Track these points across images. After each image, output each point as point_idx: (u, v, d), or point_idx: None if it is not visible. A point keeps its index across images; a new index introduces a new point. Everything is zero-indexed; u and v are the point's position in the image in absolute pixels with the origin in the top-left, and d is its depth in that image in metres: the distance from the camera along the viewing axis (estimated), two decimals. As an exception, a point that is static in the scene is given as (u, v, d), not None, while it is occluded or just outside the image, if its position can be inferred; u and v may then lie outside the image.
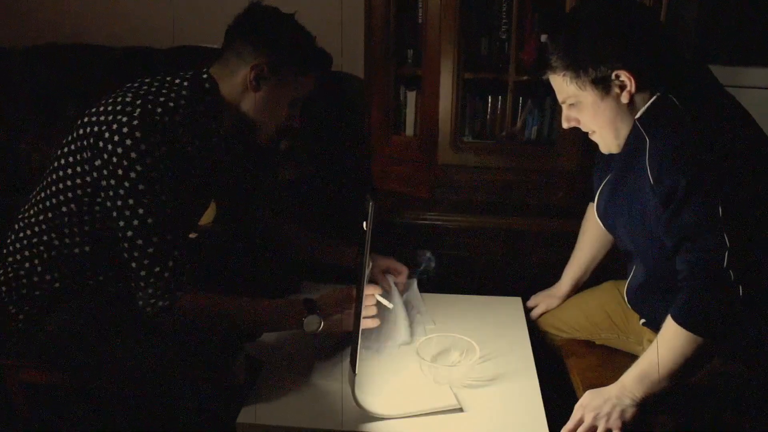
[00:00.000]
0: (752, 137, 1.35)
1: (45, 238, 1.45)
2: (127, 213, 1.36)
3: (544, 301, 1.84)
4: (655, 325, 1.52)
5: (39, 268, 1.45)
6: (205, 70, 1.49)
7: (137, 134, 1.33)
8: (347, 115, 2.44)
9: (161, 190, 1.36)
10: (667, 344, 1.29)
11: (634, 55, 1.31)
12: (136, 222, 1.36)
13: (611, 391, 1.34)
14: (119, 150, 1.33)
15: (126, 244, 1.37)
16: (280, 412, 1.38)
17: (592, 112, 1.38)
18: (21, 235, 1.48)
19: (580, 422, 1.34)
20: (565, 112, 1.44)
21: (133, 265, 1.38)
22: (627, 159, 1.41)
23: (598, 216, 1.57)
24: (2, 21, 2.63)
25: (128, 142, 1.33)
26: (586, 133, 1.47)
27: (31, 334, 1.46)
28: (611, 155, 1.48)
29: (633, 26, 1.32)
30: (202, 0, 2.48)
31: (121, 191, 1.35)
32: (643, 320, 1.57)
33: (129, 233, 1.36)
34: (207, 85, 1.47)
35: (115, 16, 2.58)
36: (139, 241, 1.36)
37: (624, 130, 1.39)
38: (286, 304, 1.53)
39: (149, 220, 1.36)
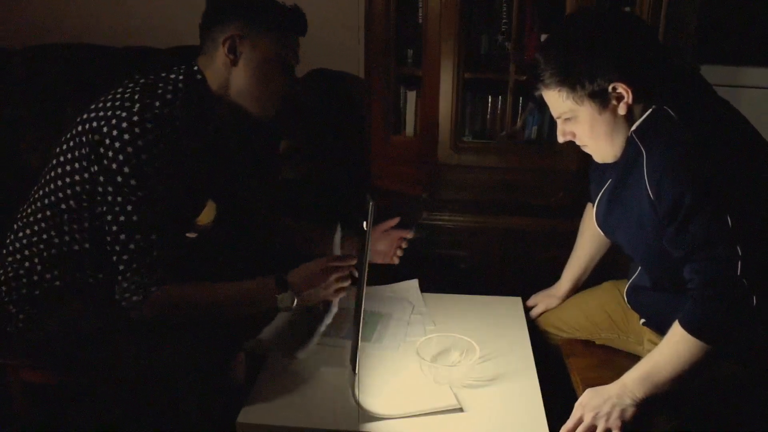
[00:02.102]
0: (751, 143, 1.34)
1: (45, 236, 1.45)
2: (116, 208, 1.37)
3: (543, 301, 1.84)
4: (654, 325, 1.52)
5: (39, 267, 1.45)
6: (194, 62, 1.51)
7: (136, 129, 1.34)
8: (347, 115, 2.44)
9: (154, 186, 1.37)
10: (674, 349, 1.29)
11: (631, 66, 1.30)
12: (122, 218, 1.37)
13: (611, 390, 1.34)
14: (117, 144, 1.34)
15: (109, 238, 1.39)
16: (280, 412, 1.38)
17: (589, 126, 1.37)
18: (21, 234, 1.48)
19: (579, 421, 1.34)
20: (561, 126, 1.42)
21: (114, 258, 1.40)
22: (624, 170, 1.40)
23: (598, 225, 1.56)
24: (2, 21, 2.63)
25: (126, 137, 1.34)
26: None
27: (32, 333, 1.46)
28: (605, 170, 1.48)
29: (627, 37, 1.31)
30: (202, 0, 2.47)
31: (110, 187, 1.36)
32: (643, 320, 1.57)
33: (114, 227, 1.38)
34: (198, 77, 1.49)
35: (115, 16, 2.58)
36: (122, 236, 1.38)
37: (620, 141, 1.38)
38: (259, 284, 1.50)
39: (134, 217, 1.37)
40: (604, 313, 1.69)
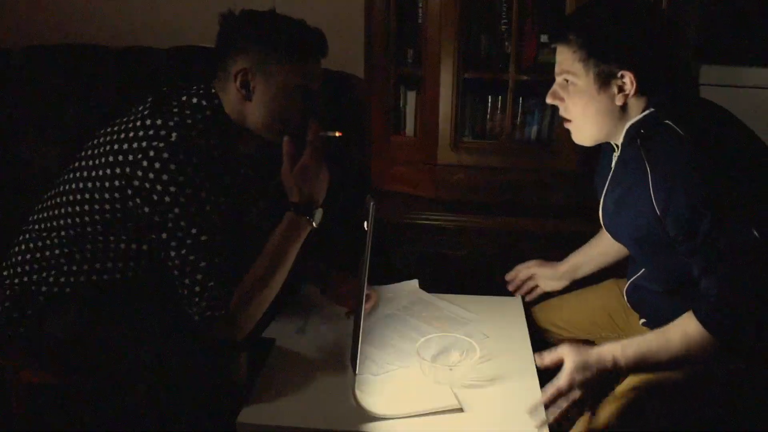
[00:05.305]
0: (753, 143, 1.34)
1: (66, 250, 1.44)
2: (180, 234, 1.35)
3: (539, 272, 1.82)
4: (654, 325, 1.52)
5: (51, 279, 1.45)
6: (212, 86, 1.48)
7: (180, 156, 1.33)
8: (347, 115, 2.43)
9: (212, 210, 1.36)
10: (684, 339, 1.27)
11: (646, 61, 1.31)
12: (189, 241, 1.35)
13: (604, 361, 1.32)
14: (164, 177, 1.32)
15: (177, 261, 1.37)
16: (280, 412, 1.38)
17: (582, 101, 1.37)
18: (32, 245, 1.47)
19: (568, 388, 1.31)
20: (556, 87, 1.41)
21: (186, 281, 1.37)
22: (628, 182, 1.39)
23: (605, 228, 1.55)
24: (2, 21, 2.62)
25: (172, 166, 1.32)
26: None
27: (32, 335, 1.46)
28: (609, 170, 1.47)
29: (654, 33, 1.33)
30: (202, 0, 2.48)
31: (171, 215, 1.34)
32: (643, 320, 1.57)
33: (183, 251, 1.36)
34: (216, 101, 1.46)
35: (115, 16, 2.58)
36: (192, 257, 1.36)
37: (606, 130, 1.39)
38: (285, 225, 1.45)
39: (202, 238, 1.35)
40: (605, 312, 1.69)
